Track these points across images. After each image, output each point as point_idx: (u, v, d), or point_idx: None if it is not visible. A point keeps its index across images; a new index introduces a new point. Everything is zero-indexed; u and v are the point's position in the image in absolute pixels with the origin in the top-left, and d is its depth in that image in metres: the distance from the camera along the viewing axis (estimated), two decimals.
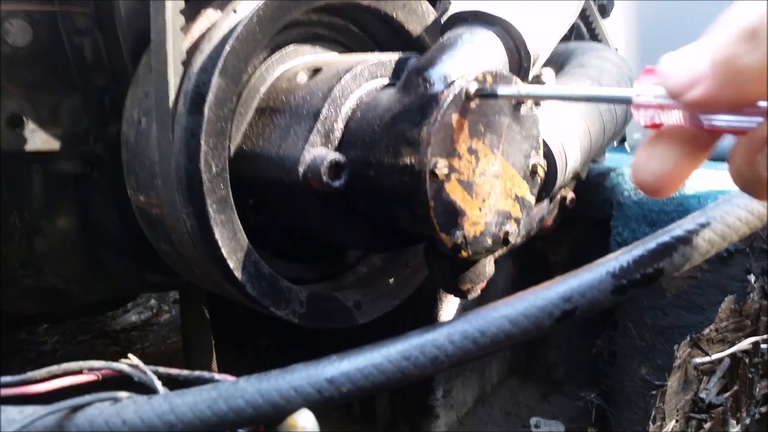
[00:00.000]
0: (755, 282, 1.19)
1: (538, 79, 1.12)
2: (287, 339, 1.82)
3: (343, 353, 0.63)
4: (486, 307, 0.66)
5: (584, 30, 1.66)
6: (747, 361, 1.13)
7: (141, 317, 2.81)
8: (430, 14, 1.15)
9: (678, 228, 0.69)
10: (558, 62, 1.42)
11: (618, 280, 0.66)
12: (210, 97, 0.90)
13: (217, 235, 0.92)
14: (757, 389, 1.13)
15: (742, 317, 1.14)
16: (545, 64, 1.12)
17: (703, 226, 0.68)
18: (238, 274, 0.95)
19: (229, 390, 0.57)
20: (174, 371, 0.62)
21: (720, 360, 1.12)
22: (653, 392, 1.14)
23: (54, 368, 0.61)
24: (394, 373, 0.61)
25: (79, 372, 0.61)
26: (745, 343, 1.12)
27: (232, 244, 0.94)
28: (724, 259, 1.28)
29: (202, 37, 0.96)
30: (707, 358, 1.11)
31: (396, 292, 1.18)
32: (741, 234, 0.70)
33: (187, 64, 0.93)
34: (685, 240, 0.68)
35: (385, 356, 0.62)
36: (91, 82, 1.15)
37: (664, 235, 0.68)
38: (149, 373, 0.62)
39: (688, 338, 1.12)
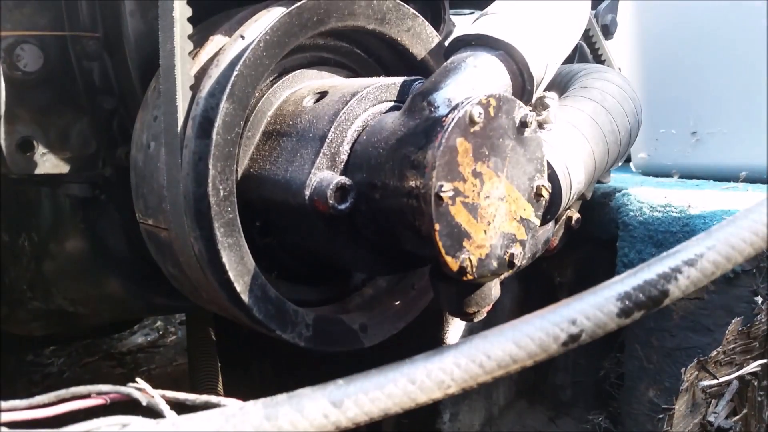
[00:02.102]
0: (762, 303, 1.18)
1: (541, 102, 1.13)
2: (293, 362, 1.82)
3: (349, 377, 0.63)
4: (492, 331, 0.66)
5: (587, 51, 1.67)
6: (756, 383, 1.12)
7: (147, 339, 2.81)
8: (434, 38, 1.16)
9: (683, 250, 0.69)
10: (561, 84, 1.43)
11: (623, 303, 0.66)
12: (218, 122, 0.91)
13: (224, 259, 0.93)
14: (767, 412, 1.12)
15: (750, 339, 1.14)
16: (548, 87, 1.13)
17: (708, 248, 0.68)
18: (244, 297, 0.95)
19: (236, 415, 0.58)
20: (181, 395, 0.62)
21: (728, 383, 1.11)
22: (661, 416, 1.13)
23: (62, 392, 0.61)
24: (400, 397, 0.61)
25: (87, 396, 0.62)
26: (754, 366, 1.11)
27: (239, 267, 0.95)
28: (731, 280, 1.27)
29: (210, 61, 0.98)
30: (715, 381, 1.10)
31: (402, 314, 1.17)
32: (746, 255, 0.70)
33: (195, 88, 0.94)
34: (691, 262, 0.68)
35: (392, 380, 0.61)
36: (100, 105, 1.16)
37: (669, 258, 0.68)
38: (157, 397, 0.62)
39: (696, 361, 1.11)
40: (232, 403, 0.59)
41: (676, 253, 0.69)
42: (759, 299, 1.20)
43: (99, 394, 0.62)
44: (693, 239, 0.71)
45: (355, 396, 0.60)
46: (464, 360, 0.64)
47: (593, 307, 0.66)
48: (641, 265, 0.70)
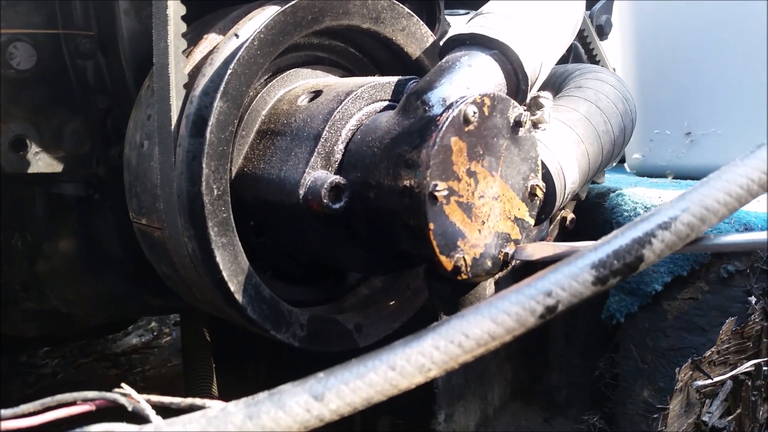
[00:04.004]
0: (756, 303, 1.19)
1: (536, 102, 1.13)
2: (288, 362, 1.81)
3: (329, 370, 0.62)
4: (469, 309, 0.65)
5: (582, 52, 1.68)
6: (749, 383, 1.12)
7: (142, 340, 2.80)
8: (429, 37, 1.16)
9: (657, 214, 0.68)
10: (556, 84, 1.43)
11: (598, 271, 0.65)
12: (212, 120, 0.91)
13: (218, 258, 0.93)
14: (761, 412, 1.13)
15: (744, 339, 1.14)
16: (543, 87, 1.13)
17: (682, 210, 0.67)
18: (238, 297, 0.95)
19: (218, 416, 0.57)
20: (166, 399, 0.62)
21: (722, 382, 1.12)
22: (655, 416, 1.13)
23: (47, 400, 0.60)
24: (382, 385, 0.60)
25: (73, 403, 0.61)
26: (747, 365, 1.11)
27: (233, 267, 0.94)
28: (725, 281, 1.27)
29: (204, 60, 0.98)
30: (709, 381, 1.11)
31: (397, 314, 1.17)
32: (720, 216, 0.68)
33: (189, 87, 0.94)
34: (665, 226, 0.67)
35: (372, 369, 0.61)
36: (94, 104, 1.16)
37: (643, 223, 0.67)
38: (142, 402, 0.61)
39: (690, 361, 1.12)
40: (216, 405, 0.59)
41: (650, 217, 0.68)
42: (753, 299, 1.20)
43: (85, 401, 0.61)
44: (666, 203, 0.69)
45: (336, 388, 0.59)
46: (443, 342, 0.62)
47: (568, 277, 0.65)
48: (615, 231, 0.68)
